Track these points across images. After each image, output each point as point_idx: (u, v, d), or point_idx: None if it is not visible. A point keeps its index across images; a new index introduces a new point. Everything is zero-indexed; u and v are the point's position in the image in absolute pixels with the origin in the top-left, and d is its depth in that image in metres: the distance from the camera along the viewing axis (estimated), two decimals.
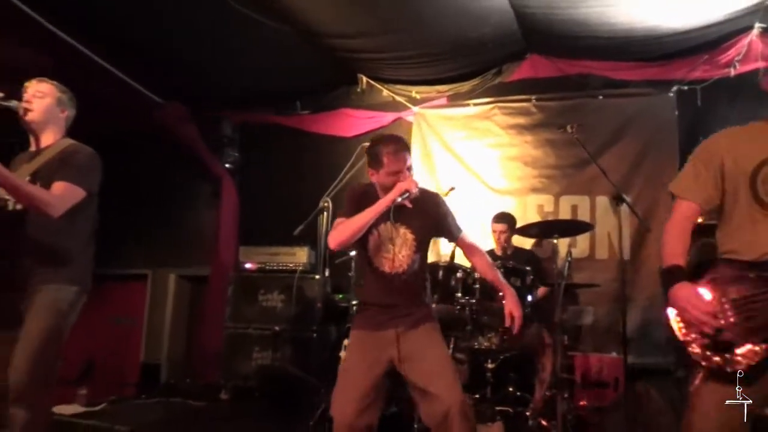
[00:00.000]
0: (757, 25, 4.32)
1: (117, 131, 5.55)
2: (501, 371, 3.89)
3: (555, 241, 3.84)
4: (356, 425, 2.33)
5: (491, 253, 4.47)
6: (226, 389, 4.85)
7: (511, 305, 2.57)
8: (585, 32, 4.50)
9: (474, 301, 3.66)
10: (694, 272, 1.87)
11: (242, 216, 5.96)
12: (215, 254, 5.81)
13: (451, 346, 3.94)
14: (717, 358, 1.74)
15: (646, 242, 4.57)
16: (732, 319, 1.74)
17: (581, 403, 3.93)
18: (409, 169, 2.53)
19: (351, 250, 4.16)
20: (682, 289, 1.82)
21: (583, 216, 4.82)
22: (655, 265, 4.42)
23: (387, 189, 2.52)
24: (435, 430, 2.35)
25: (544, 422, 3.56)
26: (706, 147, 1.99)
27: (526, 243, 4.74)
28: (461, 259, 4.19)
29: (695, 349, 1.80)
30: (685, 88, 4.68)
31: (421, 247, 2.61)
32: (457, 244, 2.76)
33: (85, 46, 4.68)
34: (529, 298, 3.71)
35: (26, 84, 2.60)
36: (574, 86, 5.03)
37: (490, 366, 3.79)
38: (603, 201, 4.80)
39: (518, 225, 4.48)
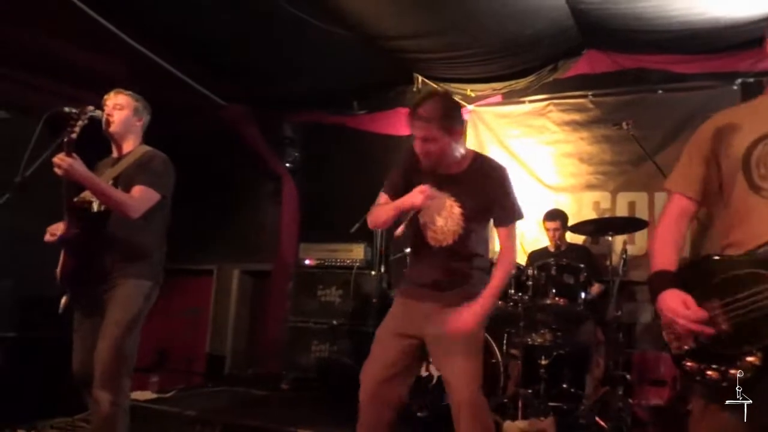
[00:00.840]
0: None
1: (184, 133, 5.84)
2: (555, 367, 3.91)
3: (610, 238, 3.83)
4: (380, 393, 2.28)
5: (545, 250, 4.48)
6: (286, 380, 5.06)
7: (463, 314, 2.27)
8: (643, 26, 4.42)
9: (527, 297, 3.72)
10: (685, 273, 1.69)
11: (302, 213, 6.16)
12: (277, 251, 6.03)
13: (504, 342, 4.01)
14: (711, 372, 1.55)
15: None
16: (724, 326, 1.55)
17: (637, 400, 3.90)
18: (428, 139, 2.28)
19: (406, 247, 4.25)
20: (668, 299, 1.62)
21: (641, 213, 4.73)
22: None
23: None
24: (453, 415, 2.30)
25: (598, 419, 3.56)
26: (696, 136, 1.84)
27: (581, 239, 4.72)
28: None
29: (689, 363, 1.60)
30: (751, 80, 4.52)
31: (472, 223, 2.37)
32: (497, 233, 2.46)
33: (154, 53, 4.97)
34: (583, 295, 3.72)
35: (105, 96, 2.84)
36: (633, 81, 4.94)
37: (543, 362, 3.82)
38: (662, 198, 4.69)
39: (573, 222, 4.47)
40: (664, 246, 1.76)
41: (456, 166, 2.38)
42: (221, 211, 6.51)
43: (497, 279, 2.35)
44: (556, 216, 4.48)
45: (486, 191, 2.36)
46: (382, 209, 2.41)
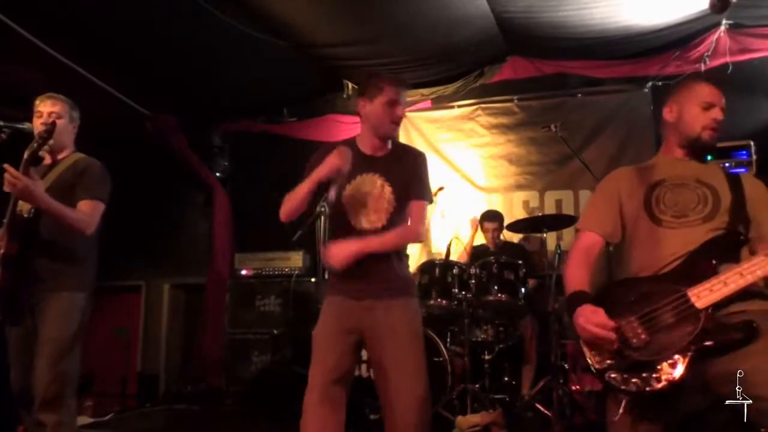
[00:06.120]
0: (724, 21, 4.55)
1: (107, 144, 5.58)
2: (496, 361, 4.06)
3: (544, 234, 4.03)
4: (329, 397, 2.22)
5: (483, 248, 4.64)
6: (228, 394, 4.95)
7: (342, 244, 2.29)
8: (562, 34, 4.68)
9: (470, 295, 3.84)
10: (604, 295, 1.86)
11: (235, 224, 6.05)
12: (211, 262, 5.89)
13: (448, 339, 4.13)
14: (635, 380, 1.68)
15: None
16: (643, 336, 1.71)
17: (574, 387, 4.11)
18: (402, 103, 2.38)
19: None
20: (581, 313, 1.78)
21: (568, 210, 5.00)
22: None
23: (376, 129, 2.37)
24: (385, 416, 2.27)
25: (541, 408, 3.72)
26: (604, 185, 2.12)
27: (514, 236, 4.93)
28: (456, 256, 4.38)
29: (612, 375, 1.73)
30: (659, 83, 4.89)
31: (401, 202, 2.36)
32: (410, 208, 2.40)
33: (74, 60, 4.74)
34: (522, 290, 3.88)
35: (38, 101, 2.71)
36: (554, 85, 5.23)
37: (486, 357, 3.96)
38: (586, 194, 4.99)
39: (506, 221, 4.67)
40: (577, 270, 1.95)
41: (382, 148, 2.43)
42: (148, 224, 6.28)
43: (391, 234, 2.33)
44: (494, 217, 4.67)
45: (407, 169, 2.39)
46: (296, 190, 2.36)
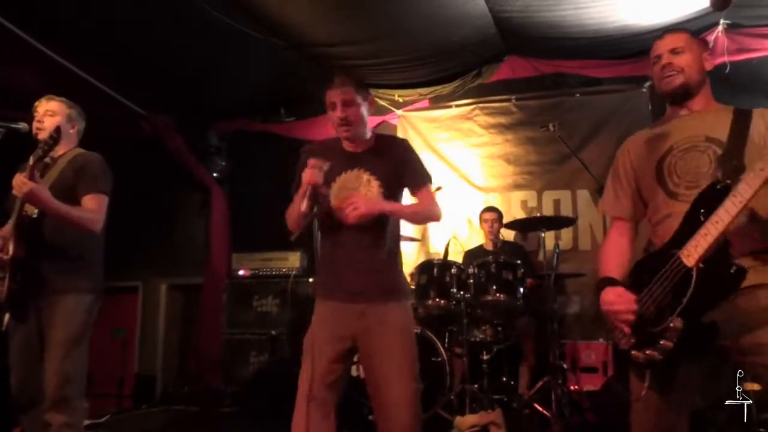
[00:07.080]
0: (722, 21, 4.54)
1: (104, 144, 5.56)
2: (495, 361, 4.06)
3: (542, 234, 4.02)
4: (320, 398, 2.22)
5: (480, 248, 4.63)
6: (226, 394, 4.93)
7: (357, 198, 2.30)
8: (559, 33, 4.67)
9: (468, 295, 3.83)
10: (628, 279, 1.90)
11: (233, 224, 6.03)
12: (208, 263, 5.88)
13: (447, 340, 4.12)
14: (650, 351, 1.72)
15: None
16: (652, 308, 1.75)
17: (573, 387, 4.11)
18: (347, 103, 2.29)
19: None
20: (605, 294, 1.86)
21: (566, 209, 5.01)
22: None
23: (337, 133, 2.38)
24: (377, 419, 2.30)
25: (539, 407, 3.72)
26: (617, 161, 2.10)
27: (511, 235, 4.93)
28: (454, 255, 4.37)
29: (634, 351, 1.78)
30: None
31: (390, 195, 2.36)
32: (416, 197, 2.47)
33: (70, 60, 4.73)
34: (521, 290, 3.87)
35: (36, 103, 2.71)
36: (552, 85, 5.23)
37: (485, 357, 3.95)
38: (584, 194, 5.00)
39: (504, 221, 4.67)
40: (607, 259, 2.01)
41: (363, 144, 2.41)
42: (145, 224, 6.25)
43: (411, 205, 2.46)
44: (493, 209, 4.74)
45: (395, 159, 2.40)
46: (291, 207, 2.37)
